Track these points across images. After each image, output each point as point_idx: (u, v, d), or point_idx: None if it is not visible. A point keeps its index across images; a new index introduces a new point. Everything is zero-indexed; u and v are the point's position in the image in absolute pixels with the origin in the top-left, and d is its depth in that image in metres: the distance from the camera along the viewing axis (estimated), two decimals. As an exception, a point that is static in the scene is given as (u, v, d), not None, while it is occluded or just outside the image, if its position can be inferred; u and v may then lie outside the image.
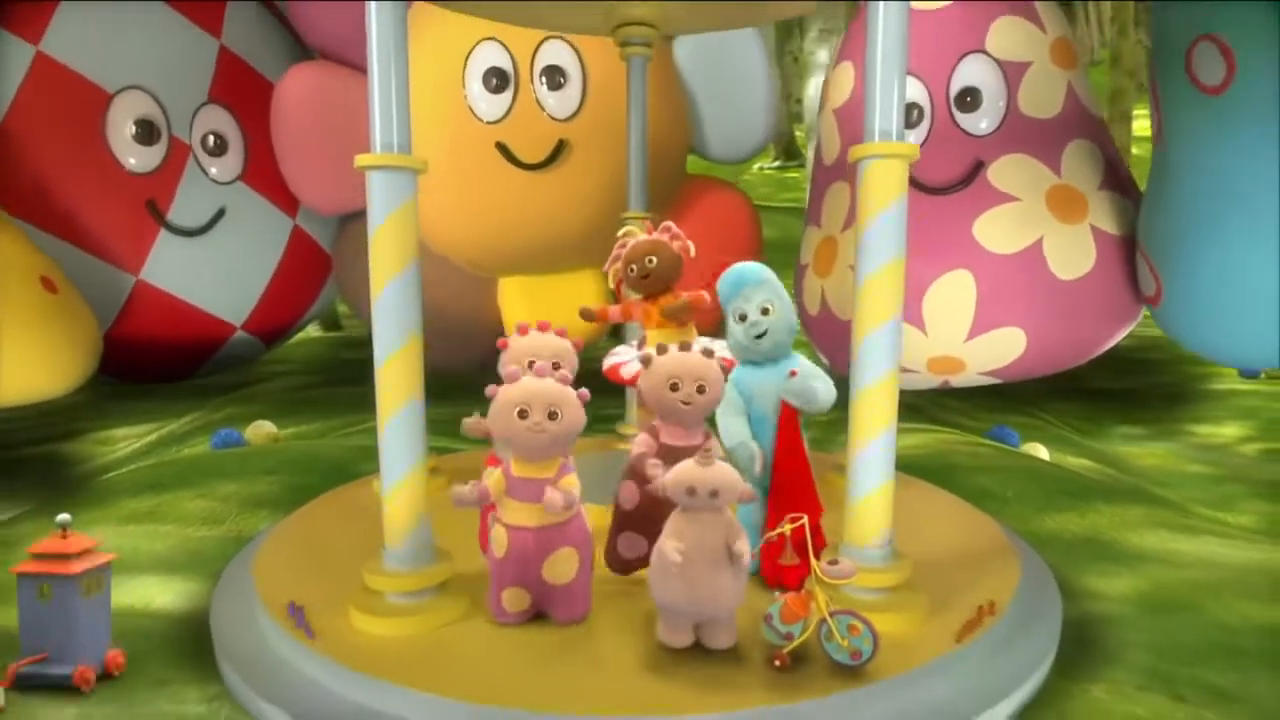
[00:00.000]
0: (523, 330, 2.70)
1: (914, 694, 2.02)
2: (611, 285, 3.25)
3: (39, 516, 3.86)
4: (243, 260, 6.31)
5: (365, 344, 8.49)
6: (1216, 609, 2.78)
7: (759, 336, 2.50)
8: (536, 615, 2.29)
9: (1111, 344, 5.67)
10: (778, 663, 2.05)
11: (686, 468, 2.05)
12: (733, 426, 2.48)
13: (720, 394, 2.36)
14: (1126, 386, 7.53)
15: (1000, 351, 5.12)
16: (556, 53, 5.23)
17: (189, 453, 5.05)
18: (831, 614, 2.05)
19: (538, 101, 5.28)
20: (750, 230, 6.12)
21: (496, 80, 5.19)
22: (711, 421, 2.49)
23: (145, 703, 2.13)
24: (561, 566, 2.23)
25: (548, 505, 2.12)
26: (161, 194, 5.92)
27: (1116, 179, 5.44)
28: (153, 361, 6.31)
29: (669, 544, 2.03)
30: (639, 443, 2.43)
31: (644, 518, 2.40)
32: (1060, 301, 5.03)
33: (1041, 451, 4.98)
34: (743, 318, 2.53)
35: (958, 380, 5.45)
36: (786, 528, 2.18)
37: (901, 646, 2.11)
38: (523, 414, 2.13)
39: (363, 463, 4.27)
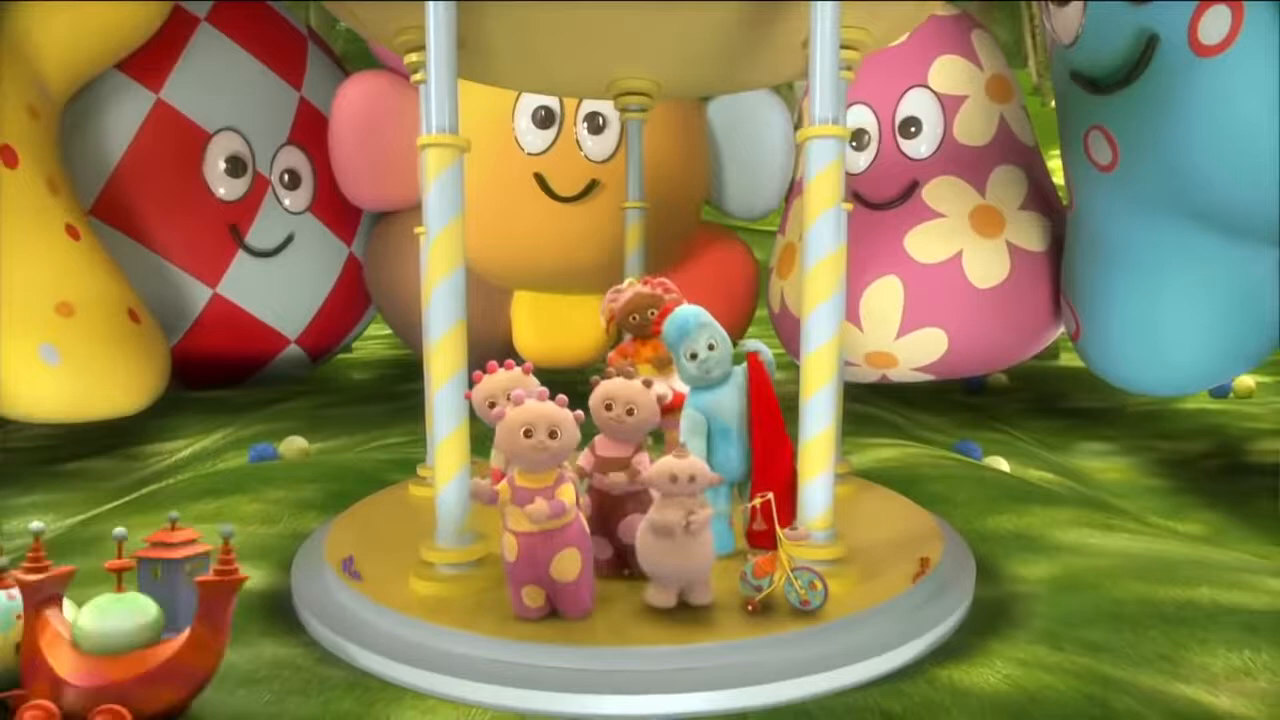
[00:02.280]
0: (476, 378, 3.37)
1: (852, 632, 2.78)
2: (604, 323, 4.01)
3: (109, 519, 4.60)
4: (303, 280, 7.49)
5: (374, 365, 9.45)
6: (1112, 588, 3.51)
7: (713, 370, 3.22)
8: (551, 612, 2.81)
9: (1033, 351, 6.52)
10: (750, 608, 2.81)
11: (668, 461, 2.72)
12: (691, 445, 3.18)
13: (651, 417, 2.96)
14: (1099, 405, 8.29)
15: (926, 349, 6.00)
16: (600, 101, 6.12)
17: (229, 465, 5.82)
18: (794, 570, 2.81)
19: (577, 141, 6.21)
20: (750, 281, 7.05)
21: (544, 116, 6.08)
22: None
23: (260, 648, 2.89)
24: (566, 564, 2.67)
25: (533, 514, 2.53)
26: (243, 219, 7.15)
27: (1039, 200, 6.34)
28: (215, 366, 7.39)
29: (675, 518, 2.67)
30: (582, 457, 3.08)
31: (600, 519, 3.08)
32: (976, 307, 5.92)
33: (1002, 464, 5.73)
34: (694, 356, 3.21)
35: (895, 374, 6.32)
36: (757, 501, 2.94)
37: (841, 601, 2.87)
38: (527, 433, 2.59)
39: (392, 473, 5.02)
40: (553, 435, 2.60)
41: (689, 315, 3.25)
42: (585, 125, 6.18)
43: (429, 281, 2.98)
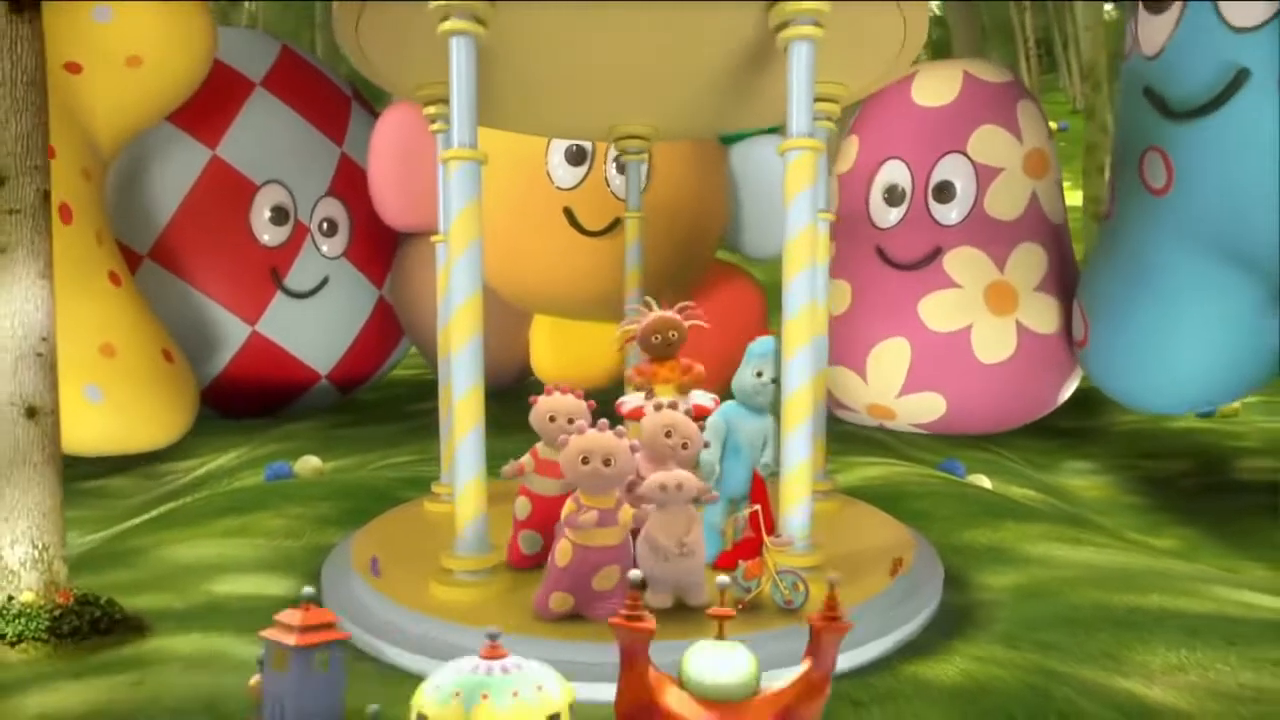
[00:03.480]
0: (549, 391, 3.70)
1: (826, 632, 3.19)
2: (620, 343, 4.40)
3: (137, 535, 5.00)
4: (336, 320, 8.18)
5: (384, 386, 9.91)
6: (1071, 595, 3.93)
7: (761, 395, 3.68)
8: (572, 615, 3.18)
9: (1031, 419, 6.94)
10: (740, 607, 3.22)
11: (657, 474, 3.11)
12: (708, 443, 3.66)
13: (698, 446, 3.38)
14: (1089, 425, 8.68)
15: (924, 410, 6.42)
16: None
17: (246, 484, 6.22)
18: (778, 572, 3.24)
19: (607, 180, 6.65)
20: (758, 315, 7.52)
21: (576, 153, 6.57)
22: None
23: (296, 643, 3.30)
24: (607, 578, 3.16)
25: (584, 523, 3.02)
26: (283, 263, 7.89)
27: (1056, 282, 6.68)
28: (252, 398, 8.02)
29: (662, 536, 3.13)
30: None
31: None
32: (978, 380, 6.32)
33: (984, 481, 6.13)
34: (759, 374, 3.67)
35: (893, 425, 6.74)
36: (746, 512, 3.38)
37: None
38: (585, 460, 2.94)
39: (404, 490, 5.43)
40: (607, 463, 2.97)
41: (776, 346, 3.71)
42: (615, 164, 6.62)
43: (450, 257, 3.37)
